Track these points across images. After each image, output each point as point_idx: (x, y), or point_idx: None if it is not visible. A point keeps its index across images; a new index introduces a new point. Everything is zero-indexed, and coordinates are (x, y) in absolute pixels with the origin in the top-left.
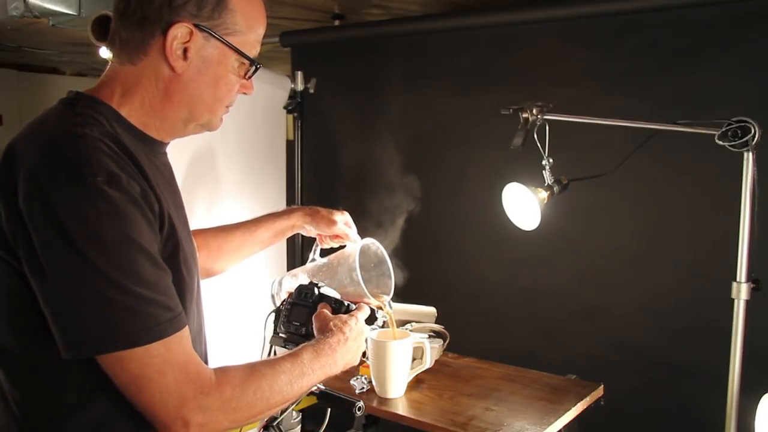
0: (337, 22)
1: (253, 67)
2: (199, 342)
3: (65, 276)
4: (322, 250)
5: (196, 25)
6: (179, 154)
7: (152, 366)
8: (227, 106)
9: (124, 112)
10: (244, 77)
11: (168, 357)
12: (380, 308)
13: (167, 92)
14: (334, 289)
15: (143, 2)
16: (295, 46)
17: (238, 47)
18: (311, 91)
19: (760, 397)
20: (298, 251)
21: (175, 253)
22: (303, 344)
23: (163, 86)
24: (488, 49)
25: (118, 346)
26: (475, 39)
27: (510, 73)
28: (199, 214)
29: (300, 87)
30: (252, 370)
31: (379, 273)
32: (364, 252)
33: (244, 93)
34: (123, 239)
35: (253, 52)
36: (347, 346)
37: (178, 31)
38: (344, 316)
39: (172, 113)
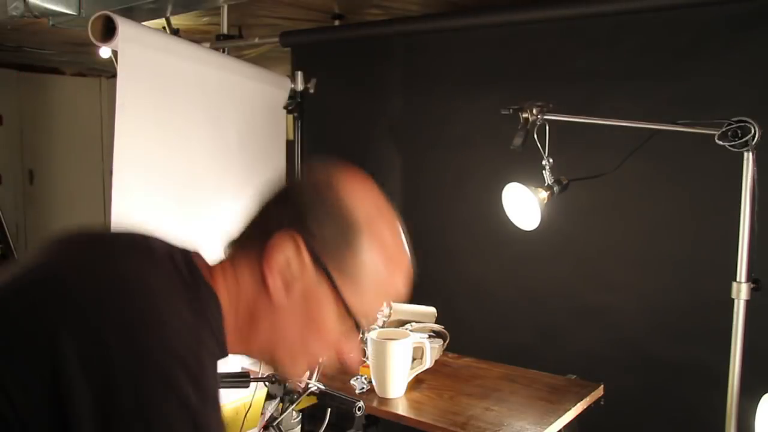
0: (337, 22)
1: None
2: None
3: None
4: None
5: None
6: (179, 154)
7: None
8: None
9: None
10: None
11: None
12: None
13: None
14: None
15: None
16: (295, 46)
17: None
18: (311, 91)
19: (760, 397)
20: None
21: None
22: None
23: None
24: (488, 49)
25: None
26: (475, 39)
27: (510, 73)
28: (199, 215)
29: (300, 87)
30: None
31: None
32: None
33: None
34: None
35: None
36: None
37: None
38: None
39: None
